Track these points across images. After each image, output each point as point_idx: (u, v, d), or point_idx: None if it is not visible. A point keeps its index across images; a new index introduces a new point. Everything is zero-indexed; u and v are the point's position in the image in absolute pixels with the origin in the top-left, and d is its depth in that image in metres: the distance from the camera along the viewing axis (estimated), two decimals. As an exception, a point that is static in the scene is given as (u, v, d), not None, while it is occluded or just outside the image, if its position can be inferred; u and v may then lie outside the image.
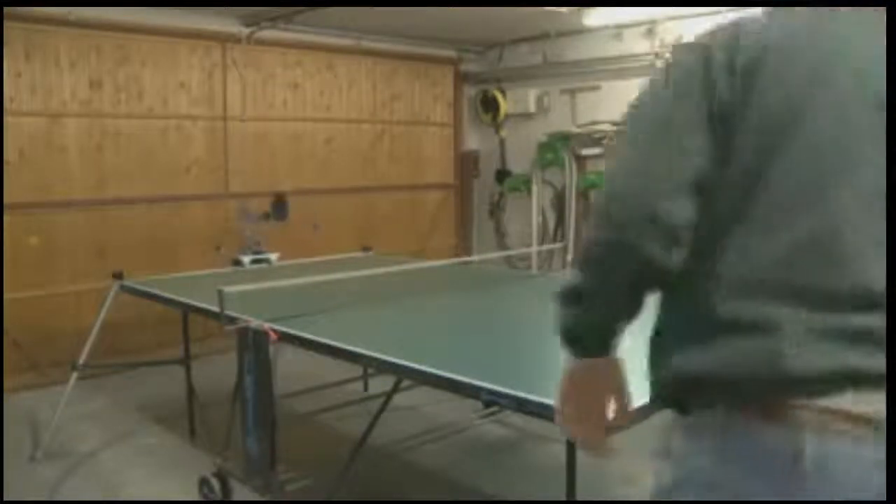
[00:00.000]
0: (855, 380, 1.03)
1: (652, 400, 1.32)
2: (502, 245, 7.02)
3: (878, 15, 1.13)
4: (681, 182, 1.11)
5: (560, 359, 1.32)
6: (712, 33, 1.19)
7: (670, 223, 1.10)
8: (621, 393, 1.29)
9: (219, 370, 3.97)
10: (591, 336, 1.25)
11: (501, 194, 7.05)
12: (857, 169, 1.07)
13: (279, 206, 4.66)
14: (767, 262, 1.08)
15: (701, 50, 1.17)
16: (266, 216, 4.59)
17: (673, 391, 1.22)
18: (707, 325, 1.12)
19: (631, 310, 1.21)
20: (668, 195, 1.11)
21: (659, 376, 1.23)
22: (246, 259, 4.32)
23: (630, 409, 1.31)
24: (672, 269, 1.13)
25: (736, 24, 1.17)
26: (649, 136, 1.16)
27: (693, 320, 1.15)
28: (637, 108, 1.22)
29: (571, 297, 1.22)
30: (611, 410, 1.29)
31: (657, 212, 1.10)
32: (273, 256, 4.41)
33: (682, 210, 1.10)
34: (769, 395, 1.07)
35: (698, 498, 1.16)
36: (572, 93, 6.39)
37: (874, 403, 1.02)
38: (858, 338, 1.04)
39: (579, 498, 2.13)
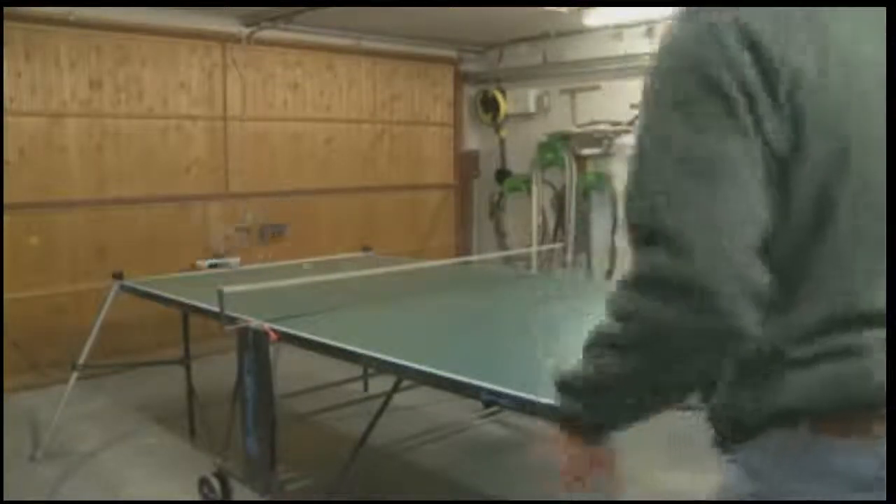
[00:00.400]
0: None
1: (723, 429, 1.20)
2: (502, 245, 7.02)
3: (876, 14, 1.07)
4: (751, 244, 0.97)
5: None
6: (729, 29, 1.05)
7: (755, 286, 0.95)
8: (608, 466, 1.26)
9: (219, 370, 3.97)
10: (604, 428, 1.17)
11: (501, 194, 7.05)
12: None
13: (275, 229, 4.62)
14: (844, 293, 1.03)
15: (730, 70, 1.03)
16: (261, 235, 4.55)
17: (757, 423, 1.10)
18: (785, 360, 1.05)
19: (677, 398, 1.09)
20: (749, 256, 0.96)
21: (741, 413, 1.12)
22: (205, 264, 4.23)
23: (617, 477, 1.28)
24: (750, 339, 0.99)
25: (759, 33, 1.04)
26: (704, 178, 0.98)
27: (771, 359, 1.06)
28: (661, 123, 1.07)
29: (592, 388, 1.11)
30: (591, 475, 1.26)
31: (744, 273, 0.95)
32: (234, 261, 4.33)
33: (760, 275, 0.97)
34: (852, 412, 1.04)
35: None
36: (572, 93, 6.39)
37: None
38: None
39: (579, 498, 2.14)
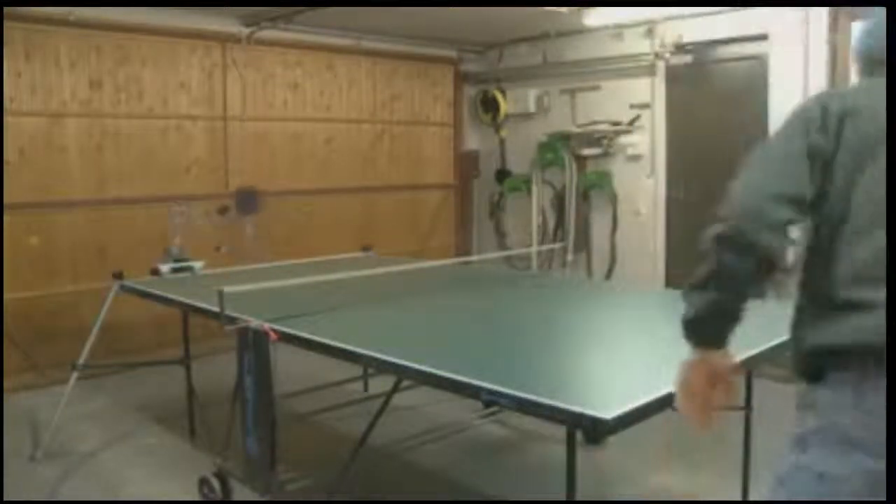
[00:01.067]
0: None
1: (794, 371, 1.61)
2: (502, 245, 7.02)
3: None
4: (780, 194, 1.49)
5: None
6: (816, 98, 1.61)
7: (772, 219, 1.47)
8: (728, 382, 1.60)
9: (219, 370, 3.97)
10: (712, 323, 1.56)
11: (501, 194, 7.05)
12: None
13: (245, 198, 4.24)
14: (864, 260, 1.47)
15: (804, 111, 1.58)
16: (223, 209, 4.18)
17: (812, 361, 1.53)
18: (831, 307, 1.49)
19: (752, 292, 1.51)
20: (772, 201, 1.49)
21: (800, 349, 1.57)
22: (165, 268, 4.00)
23: (735, 392, 1.63)
24: (781, 255, 1.47)
25: (829, 95, 1.62)
26: (763, 163, 1.57)
27: (820, 304, 1.53)
28: (763, 144, 1.62)
29: (699, 285, 1.53)
30: (718, 394, 1.59)
31: (763, 210, 1.47)
32: (197, 265, 4.10)
33: (781, 213, 1.47)
34: (885, 358, 1.40)
35: (838, 443, 1.46)
36: (572, 93, 6.39)
37: None
38: None
39: (579, 498, 2.13)
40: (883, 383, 1.40)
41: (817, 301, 1.54)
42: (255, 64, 5.75)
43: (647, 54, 5.76)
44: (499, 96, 6.85)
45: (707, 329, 1.57)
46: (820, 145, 1.52)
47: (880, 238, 1.47)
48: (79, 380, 3.82)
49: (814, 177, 1.52)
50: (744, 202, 1.51)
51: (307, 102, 6.09)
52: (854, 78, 1.75)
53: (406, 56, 6.68)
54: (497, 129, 6.98)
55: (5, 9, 4.39)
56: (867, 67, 1.67)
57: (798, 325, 1.60)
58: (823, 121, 1.53)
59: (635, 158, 5.99)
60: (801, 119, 1.57)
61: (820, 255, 1.54)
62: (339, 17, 5.55)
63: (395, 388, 2.75)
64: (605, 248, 6.30)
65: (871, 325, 1.42)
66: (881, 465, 1.39)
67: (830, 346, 1.49)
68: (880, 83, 1.59)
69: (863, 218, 1.49)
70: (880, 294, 1.43)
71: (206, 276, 4.03)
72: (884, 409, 1.39)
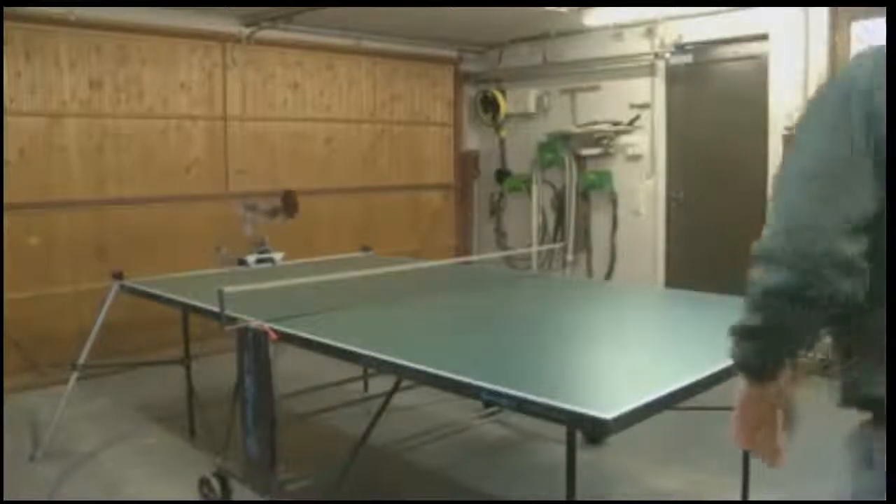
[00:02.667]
0: None
1: (845, 403, 1.34)
2: (502, 245, 7.03)
3: None
4: (847, 222, 1.16)
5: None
6: (868, 72, 1.21)
7: (846, 260, 1.16)
8: (787, 413, 1.38)
9: (219, 370, 3.97)
10: (776, 366, 1.31)
11: (501, 194, 7.06)
12: None
13: (289, 201, 4.55)
14: None
15: (852, 87, 1.20)
16: (274, 212, 4.49)
17: (868, 406, 1.27)
18: (887, 354, 1.19)
19: (811, 342, 1.27)
20: (841, 235, 1.16)
21: (854, 391, 1.28)
22: (251, 259, 4.28)
23: (793, 425, 1.40)
24: (857, 299, 1.18)
25: (869, 56, 1.23)
26: (815, 178, 1.20)
27: (880, 349, 1.20)
28: (803, 142, 1.26)
29: (753, 334, 1.27)
30: (779, 426, 1.38)
31: (834, 252, 1.15)
32: (278, 256, 4.38)
33: (854, 247, 1.16)
34: None
35: None
36: (572, 93, 6.39)
37: None
38: None
39: (579, 498, 2.13)
40: None
41: (873, 347, 1.22)
42: (255, 64, 5.75)
43: (647, 54, 5.77)
44: (499, 96, 6.85)
45: (769, 371, 1.31)
46: (880, 136, 1.15)
47: None
48: (79, 380, 3.82)
49: (877, 184, 1.16)
50: (804, 243, 1.17)
51: (307, 102, 6.09)
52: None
53: (406, 56, 6.68)
54: (497, 129, 6.98)
55: (5, 9, 4.39)
56: None
57: (849, 367, 1.29)
58: (874, 100, 1.16)
59: (635, 158, 6.00)
60: (853, 101, 1.18)
61: (872, 285, 1.20)
62: (339, 17, 5.55)
63: (395, 388, 2.75)
64: (605, 248, 6.30)
65: None
66: None
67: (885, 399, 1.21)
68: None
69: None
70: None
71: (284, 266, 4.31)
72: None
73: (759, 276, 1.22)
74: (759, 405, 1.35)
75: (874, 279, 1.18)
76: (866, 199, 1.16)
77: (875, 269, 1.18)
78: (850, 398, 1.29)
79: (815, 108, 1.25)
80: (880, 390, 1.21)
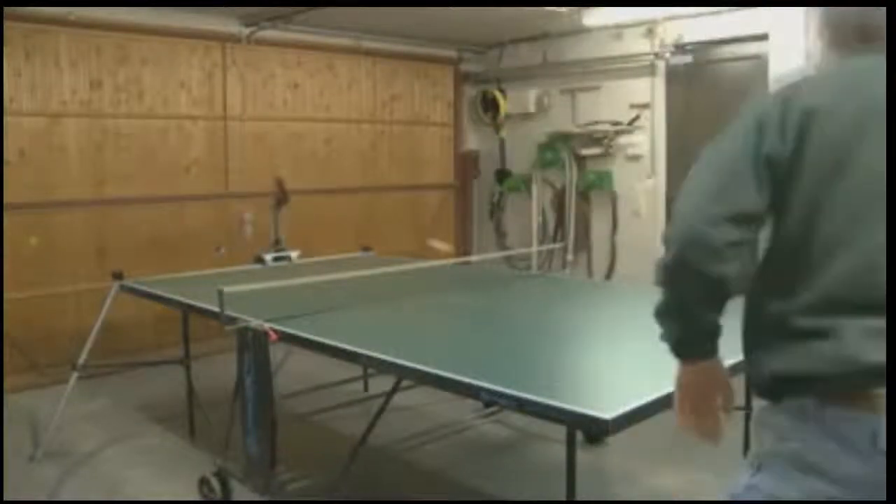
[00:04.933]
0: (881, 372, 1.26)
1: (753, 388, 1.49)
2: (502, 245, 7.02)
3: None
4: (727, 212, 1.32)
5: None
6: (775, 94, 1.40)
7: (718, 244, 1.31)
8: (725, 387, 1.50)
9: (219, 370, 3.97)
10: (690, 343, 1.45)
11: (501, 194, 7.06)
12: (883, 213, 1.29)
13: (282, 186, 4.63)
14: (838, 280, 1.31)
15: (759, 110, 1.38)
16: (279, 202, 4.58)
17: (769, 385, 1.41)
18: (790, 332, 1.35)
19: (714, 316, 1.39)
20: (717, 222, 1.32)
21: (757, 373, 1.43)
22: (269, 257, 4.32)
23: (733, 399, 1.52)
24: (734, 282, 1.34)
25: (790, 89, 1.38)
26: (708, 174, 1.40)
27: (775, 328, 1.37)
28: (710, 148, 1.44)
29: (662, 312, 1.43)
30: (718, 403, 1.50)
31: (707, 235, 1.32)
32: (294, 254, 4.41)
33: (728, 234, 1.31)
34: (847, 386, 1.29)
35: (792, 466, 1.36)
36: (572, 93, 6.39)
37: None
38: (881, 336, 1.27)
39: (579, 498, 2.14)
40: (839, 411, 1.30)
41: (772, 324, 1.38)
42: (255, 64, 5.75)
43: (647, 54, 5.77)
44: (499, 96, 6.84)
45: (685, 348, 1.45)
46: (777, 151, 1.33)
47: (864, 251, 1.30)
48: (79, 380, 3.82)
49: (768, 187, 1.34)
50: (685, 225, 1.36)
51: (307, 102, 6.09)
52: (821, 57, 1.49)
53: (406, 56, 6.68)
54: (497, 129, 6.98)
55: (5, 9, 4.39)
56: (847, 40, 1.42)
57: (752, 346, 1.45)
58: (782, 122, 1.33)
59: (635, 158, 6.00)
60: (755, 119, 1.37)
61: (774, 275, 1.39)
62: (339, 17, 5.55)
63: (395, 388, 2.75)
64: (605, 248, 6.30)
65: (828, 355, 1.30)
66: (834, 490, 1.31)
67: (787, 374, 1.36)
68: (865, 65, 1.37)
69: (841, 232, 1.31)
70: (841, 321, 1.29)
71: (284, 266, 4.31)
72: (843, 435, 1.30)
73: (660, 255, 1.40)
74: (693, 385, 1.48)
75: (768, 266, 1.39)
76: (754, 197, 1.33)
77: (769, 256, 1.39)
78: (758, 377, 1.43)
79: (735, 123, 1.42)
80: (778, 363, 1.36)
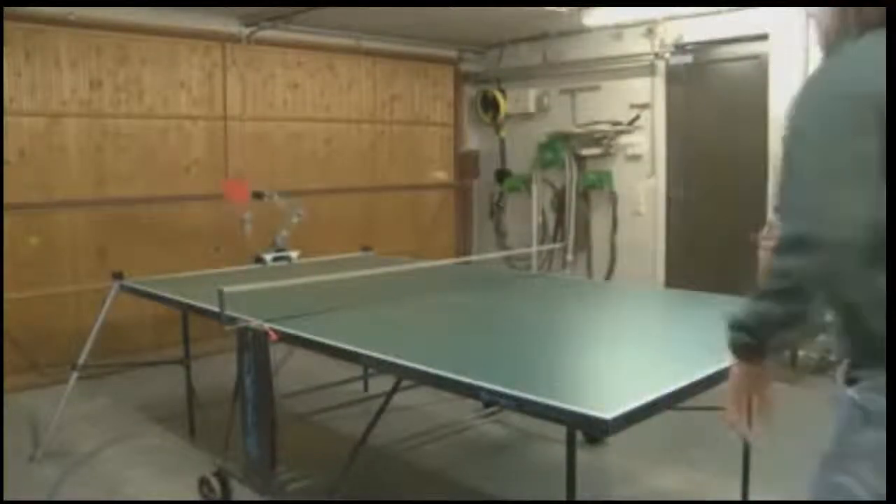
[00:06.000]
0: None
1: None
2: (502, 245, 7.03)
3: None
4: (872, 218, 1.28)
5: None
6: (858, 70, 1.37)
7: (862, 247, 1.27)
8: (766, 392, 1.55)
9: (219, 370, 3.97)
10: (760, 348, 1.47)
11: (501, 194, 7.06)
12: None
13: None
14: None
15: (861, 91, 1.32)
16: (258, 195, 4.56)
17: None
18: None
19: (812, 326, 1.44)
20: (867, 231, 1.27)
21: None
22: (268, 257, 4.33)
23: (772, 404, 1.56)
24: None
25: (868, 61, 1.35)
26: (843, 176, 1.31)
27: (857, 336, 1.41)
28: (816, 142, 1.37)
29: (764, 315, 1.41)
30: (756, 404, 1.55)
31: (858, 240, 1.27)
32: (294, 254, 4.42)
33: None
34: None
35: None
36: (572, 93, 6.39)
37: None
38: None
39: (579, 498, 2.13)
40: None
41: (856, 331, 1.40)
42: (255, 64, 5.75)
43: (647, 54, 5.77)
44: (499, 96, 6.85)
45: (753, 354, 1.48)
46: (878, 143, 1.28)
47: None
48: (79, 380, 3.82)
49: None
50: (838, 233, 1.27)
51: (307, 102, 6.09)
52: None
53: (406, 56, 6.68)
54: (497, 129, 6.98)
55: (5, 9, 4.39)
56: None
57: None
58: (878, 108, 1.28)
59: (635, 158, 6.00)
60: (864, 104, 1.29)
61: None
62: (339, 17, 5.55)
63: (395, 388, 2.75)
64: (605, 248, 6.30)
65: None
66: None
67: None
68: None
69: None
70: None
71: (285, 266, 4.32)
72: None
73: (786, 257, 1.34)
74: (740, 384, 1.53)
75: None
76: (882, 204, 1.28)
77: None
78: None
79: (833, 113, 1.34)
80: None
